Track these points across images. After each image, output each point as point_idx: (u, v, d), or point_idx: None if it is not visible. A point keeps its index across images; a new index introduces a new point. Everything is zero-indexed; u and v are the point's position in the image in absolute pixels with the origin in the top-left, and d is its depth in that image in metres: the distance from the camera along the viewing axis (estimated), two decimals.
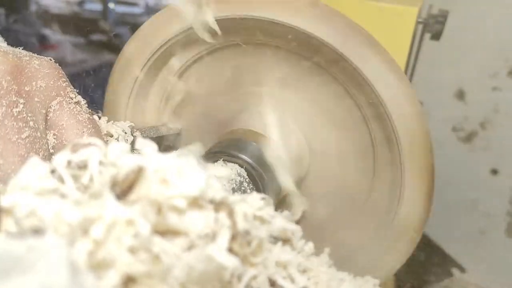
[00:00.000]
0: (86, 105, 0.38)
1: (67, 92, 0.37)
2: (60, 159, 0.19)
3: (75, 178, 0.19)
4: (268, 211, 0.23)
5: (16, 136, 0.31)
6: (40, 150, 0.33)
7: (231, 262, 0.17)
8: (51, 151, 0.35)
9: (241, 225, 0.19)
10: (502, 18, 0.73)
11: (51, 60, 0.37)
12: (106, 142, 0.41)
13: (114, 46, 0.51)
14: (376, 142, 0.46)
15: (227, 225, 0.18)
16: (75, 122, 0.35)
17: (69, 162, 0.19)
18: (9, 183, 0.18)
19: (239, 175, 0.43)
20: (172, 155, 0.19)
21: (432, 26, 0.56)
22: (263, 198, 0.24)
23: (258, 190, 0.44)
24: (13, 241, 0.13)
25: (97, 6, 0.78)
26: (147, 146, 0.19)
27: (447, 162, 0.81)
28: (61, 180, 0.18)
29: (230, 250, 0.18)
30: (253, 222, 0.21)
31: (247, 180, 0.43)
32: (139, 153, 0.19)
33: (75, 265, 0.12)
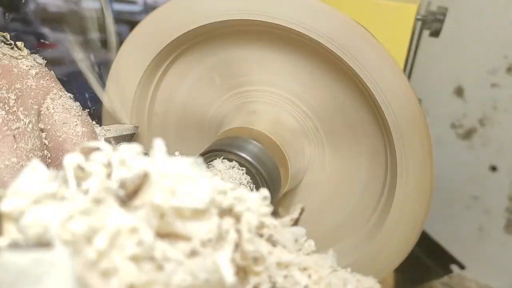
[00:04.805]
0: (78, 103, 0.39)
1: (60, 88, 0.38)
2: (67, 162, 0.19)
3: (79, 180, 0.19)
4: (271, 219, 0.23)
5: (6, 128, 0.32)
6: (29, 141, 0.34)
7: (230, 277, 0.17)
8: (45, 143, 0.36)
9: (246, 236, 0.19)
10: (501, 15, 0.73)
11: (41, 63, 0.38)
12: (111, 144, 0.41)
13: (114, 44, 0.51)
14: (385, 138, 0.46)
15: (232, 236, 0.18)
16: (69, 116, 0.36)
17: (74, 165, 0.19)
18: (9, 187, 0.18)
19: (239, 173, 0.43)
20: (181, 161, 0.19)
21: (431, 23, 0.56)
22: (264, 198, 0.24)
23: (258, 188, 0.44)
24: (18, 253, 0.13)
25: (95, 4, 0.77)
26: (158, 149, 0.19)
27: (445, 159, 0.82)
28: (64, 183, 0.18)
29: (233, 260, 0.18)
30: (256, 233, 0.21)
31: (247, 178, 0.43)
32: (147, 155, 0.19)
33: (81, 278, 0.12)
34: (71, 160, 0.19)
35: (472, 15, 0.75)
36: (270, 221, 0.24)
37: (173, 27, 0.47)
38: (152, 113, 0.54)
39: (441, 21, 0.56)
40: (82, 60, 0.46)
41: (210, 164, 0.44)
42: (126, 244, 0.15)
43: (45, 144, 0.36)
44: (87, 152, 0.20)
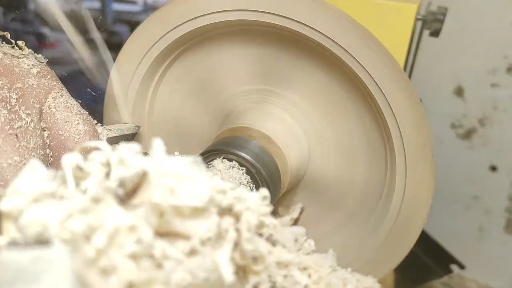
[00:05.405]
0: (79, 104, 0.39)
1: (61, 86, 0.38)
2: (66, 161, 0.19)
3: (78, 180, 0.19)
4: (270, 218, 0.23)
5: (8, 127, 0.32)
6: (31, 139, 0.34)
7: (230, 276, 0.17)
8: (46, 142, 0.36)
9: (245, 235, 0.19)
10: (501, 15, 0.73)
11: (43, 62, 0.38)
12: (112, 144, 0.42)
13: (113, 44, 0.51)
14: (385, 137, 0.46)
15: (231, 235, 0.18)
16: (70, 115, 0.37)
17: (72, 165, 0.19)
18: (9, 186, 0.18)
19: (239, 173, 0.43)
20: (180, 160, 0.19)
21: (431, 23, 0.56)
22: (264, 197, 0.24)
23: (258, 188, 0.44)
24: (17, 252, 0.13)
25: (96, 4, 0.78)
26: (157, 149, 0.19)
27: (445, 159, 0.81)
28: (63, 182, 0.18)
29: (233, 259, 0.18)
30: (256, 233, 0.21)
31: (247, 178, 0.43)
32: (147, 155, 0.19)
33: (80, 277, 0.12)
34: (69, 160, 0.19)
35: (472, 15, 0.75)
36: (269, 220, 0.24)
37: (174, 27, 0.47)
38: (152, 113, 0.54)
39: (441, 21, 0.56)
40: (82, 60, 0.46)
41: (210, 164, 0.44)
42: (125, 242, 0.15)
43: (47, 143, 0.36)
44: (87, 152, 0.20)
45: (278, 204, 0.54)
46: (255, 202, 0.23)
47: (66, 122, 0.37)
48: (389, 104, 0.42)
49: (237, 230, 0.19)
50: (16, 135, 0.33)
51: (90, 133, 0.38)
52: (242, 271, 0.22)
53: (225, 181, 0.22)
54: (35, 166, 0.19)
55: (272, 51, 0.48)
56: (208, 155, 0.44)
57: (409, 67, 0.62)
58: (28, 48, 0.38)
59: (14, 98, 0.34)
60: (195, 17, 0.46)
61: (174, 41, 0.48)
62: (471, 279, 0.80)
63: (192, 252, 0.18)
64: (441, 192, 0.81)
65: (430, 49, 0.77)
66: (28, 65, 0.37)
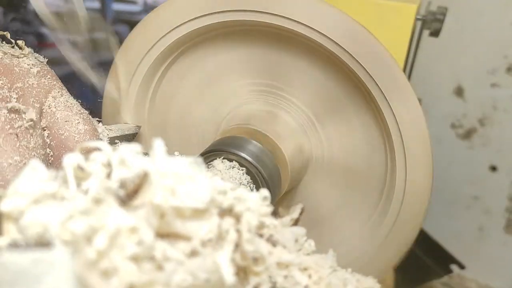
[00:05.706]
0: (79, 104, 0.39)
1: (61, 86, 0.38)
2: (67, 162, 0.19)
3: (79, 180, 0.18)
4: (271, 219, 0.23)
5: (8, 126, 0.32)
6: (31, 139, 0.34)
7: (230, 277, 0.17)
8: (47, 141, 0.36)
9: (246, 236, 0.19)
10: (501, 15, 0.73)
11: (43, 62, 0.38)
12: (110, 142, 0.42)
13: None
14: (385, 137, 0.46)
15: (232, 236, 0.18)
16: (71, 114, 0.37)
17: (73, 165, 0.19)
18: (9, 187, 0.18)
19: (239, 173, 0.43)
20: (180, 161, 0.19)
21: (431, 23, 0.56)
22: (264, 198, 0.24)
23: (258, 188, 0.44)
24: (18, 253, 0.13)
25: (95, 4, 0.78)
26: (157, 149, 0.19)
27: (445, 159, 0.82)
28: (64, 183, 0.18)
29: (233, 260, 0.18)
30: (256, 233, 0.21)
31: (247, 178, 0.43)
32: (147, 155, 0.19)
33: (81, 278, 0.12)
34: (70, 160, 0.19)
35: (472, 15, 0.75)
36: (270, 221, 0.24)
37: (174, 27, 0.47)
38: (153, 113, 0.54)
39: (441, 21, 0.56)
40: (81, 60, 0.46)
41: (210, 164, 0.44)
42: (126, 244, 0.15)
43: (47, 142, 0.36)
44: (88, 151, 0.20)
45: (278, 204, 0.54)
46: (255, 202, 0.22)
47: (66, 121, 0.37)
48: (389, 104, 0.42)
49: (238, 231, 0.19)
50: (17, 135, 0.33)
51: (90, 133, 0.38)
52: (242, 272, 0.22)
53: (225, 182, 0.22)
54: (35, 166, 0.19)
55: (271, 52, 0.48)
56: (208, 155, 0.44)
57: (409, 67, 0.62)
58: (28, 48, 0.38)
59: (14, 98, 0.34)
60: (195, 17, 0.46)
61: (175, 41, 0.48)
62: (471, 279, 0.80)
63: (193, 253, 0.18)
64: (441, 192, 0.82)
65: (430, 49, 0.77)
66: (28, 64, 0.37)
